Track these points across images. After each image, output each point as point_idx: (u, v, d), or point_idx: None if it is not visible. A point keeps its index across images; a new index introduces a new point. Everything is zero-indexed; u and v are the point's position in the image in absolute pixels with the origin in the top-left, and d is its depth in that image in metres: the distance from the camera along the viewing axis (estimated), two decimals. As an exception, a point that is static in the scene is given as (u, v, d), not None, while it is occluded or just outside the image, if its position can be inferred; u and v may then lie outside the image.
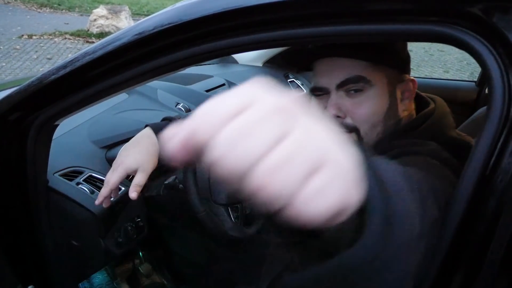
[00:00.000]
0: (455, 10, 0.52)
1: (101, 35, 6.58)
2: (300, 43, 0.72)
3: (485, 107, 1.25)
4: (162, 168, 1.28)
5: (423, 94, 0.84)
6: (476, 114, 1.36)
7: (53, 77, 0.79)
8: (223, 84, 1.78)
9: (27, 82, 0.84)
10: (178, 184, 1.20)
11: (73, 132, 1.24)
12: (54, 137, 0.94)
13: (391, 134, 0.75)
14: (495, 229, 0.47)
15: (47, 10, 8.77)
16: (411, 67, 0.83)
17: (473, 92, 1.86)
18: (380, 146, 0.73)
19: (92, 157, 1.18)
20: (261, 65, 2.02)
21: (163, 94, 1.60)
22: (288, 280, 0.83)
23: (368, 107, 0.74)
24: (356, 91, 0.74)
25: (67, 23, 7.50)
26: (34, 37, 6.51)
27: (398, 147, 0.70)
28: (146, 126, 1.01)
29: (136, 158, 0.93)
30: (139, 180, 0.92)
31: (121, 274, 1.40)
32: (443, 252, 0.50)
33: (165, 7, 0.74)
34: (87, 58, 0.75)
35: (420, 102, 0.82)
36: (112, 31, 6.46)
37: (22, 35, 6.53)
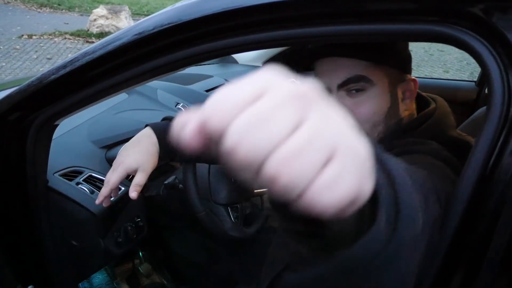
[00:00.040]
0: (455, 10, 0.52)
1: (101, 35, 6.59)
2: (300, 43, 0.72)
3: (485, 107, 1.25)
4: (162, 168, 1.29)
5: (424, 94, 0.84)
6: (476, 114, 1.36)
7: (53, 77, 0.79)
8: (223, 84, 1.78)
9: (27, 82, 0.84)
10: (178, 184, 1.20)
11: (73, 132, 1.24)
12: (54, 137, 0.94)
13: (392, 134, 0.75)
14: (495, 228, 0.47)
15: (47, 10, 8.77)
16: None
17: (473, 92, 1.86)
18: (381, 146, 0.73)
19: (92, 157, 1.18)
20: (261, 65, 2.03)
21: (163, 94, 1.60)
22: (289, 280, 0.83)
23: (369, 106, 0.74)
24: (357, 90, 0.74)
25: (67, 23, 7.50)
26: (34, 37, 6.51)
27: (399, 147, 0.70)
28: (146, 125, 1.01)
29: (136, 157, 0.93)
30: (139, 179, 0.92)
31: (121, 274, 1.40)
32: (443, 251, 0.50)
33: (165, 7, 0.74)
34: (87, 58, 0.75)
35: (421, 102, 0.82)
36: (112, 31, 6.46)
37: (22, 35, 6.53)
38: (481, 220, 0.48)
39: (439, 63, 6.45)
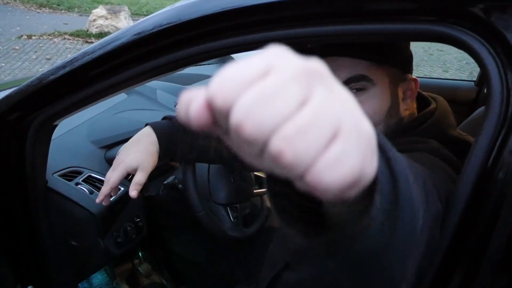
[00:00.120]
0: (454, 10, 0.52)
1: (100, 35, 6.58)
2: (300, 43, 0.72)
3: (484, 107, 1.25)
4: (161, 168, 1.29)
5: (424, 93, 0.84)
6: (475, 113, 1.36)
7: (52, 77, 0.79)
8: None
9: (26, 82, 0.84)
10: (177, 184, 1.21)
11: (72, 132, 1.24)
12: (53, 137, 0.94)
13: (392, 133, 0.75)
14: (494, 227, 0.47)
15: (46, 10, 8.77)
16: (410, 66, 0.83)
17: (472, 92, 1.86)
18: None
19: (91, 157, 1.18)
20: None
21: (162, 94, 1.60)
22: (288, 279, 0.83)
23: (369, 106, 0.74)
24: (358, 90, 0.74)
25: (66, 23, 7.50)
26: (33, 37, 6.51)
27: (399, 145, 0.70)
28: (146, 125, 1.01)
29: (136, 156, 0.93)
30: (139, 178, 0.92)
31: (120, 274, 1.40)
32: (443, 249, 0.50)
33: (164, 7, 0.74)
34: (86, 58, 0.75)
35: (422, 102, 0.82)
36: (111, 31, 6.46)
37: (22, 36, 6.53)
38: (481, 218, 0.48)
39: (438, 62, 6.45)
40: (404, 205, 0.34)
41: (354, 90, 0.74)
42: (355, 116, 0.25)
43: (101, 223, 1.06)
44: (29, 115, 0.86)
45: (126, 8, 7.27)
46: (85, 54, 0.76)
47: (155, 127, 0.99)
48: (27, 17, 8.00)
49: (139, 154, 0.94)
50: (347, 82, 0.74)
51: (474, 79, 1.93)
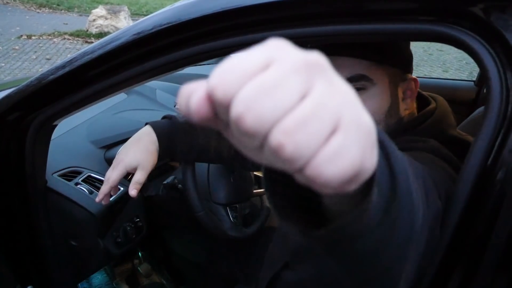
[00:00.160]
0: (454, 10, 0.52)
1: (100, 35, 6.58)
2: (300, 43, 0.72)
3: (483, 107, 1.25)
4: (161, 168, 1.29)
5: (424, 93, 0.84)
6: (475, 113, 1.36)
7: (51, 77, 0.79)
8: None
9: (26, 82, 0.84)
10: (177, 184, 1.21)
11: (72, 132, 1.24)
12: (52, 137, 0.94)
13: (392, 132, 0.75)
14: (494, 226, 0.47)
15: (46, 11, 8.77)
16: (410, 66, 0.83)
17: (472, 92, 1.86)
18: None
19: (91, 157, 1.18)
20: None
21: (162, 94, 1.60)
22: (288, 278, 0.83)
23: (369, 105, 0.74)
24: (358, 89, 0.74)
25: (66, 23, 7.50)
26: (33, 37, 6.51)
27: (398, 144, 0.70)
28: (146, 124, 1.01)
29: (136, 155, 0.93)
30: (139, 177, 0.92)
31: (120, 274, 1.40)
32: (442, 249, 0.50)
33: (164, 7, 0.74)
34: (86, 58, 0.75)
35: (422, 101, 0.82)
36: (111, 31, 6.46)
37: (21, 36, 6.53)
38: (480, 218, 0.48)
39: (438, 62, 6.46)
40: (403, 202, 0.34)
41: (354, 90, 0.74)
42: (356, 109, 0.25)
43: (100, 223, 1.06)
44: (28, 115, 0.86)
45: (125, 8, 7.27)
46: (84, 54, 0.76)
47: (155, 126, 0.99)
48: (27, 17, 8.00)
49: (138, 153, 0.94)
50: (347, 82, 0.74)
51: (474, 79, 1.93)
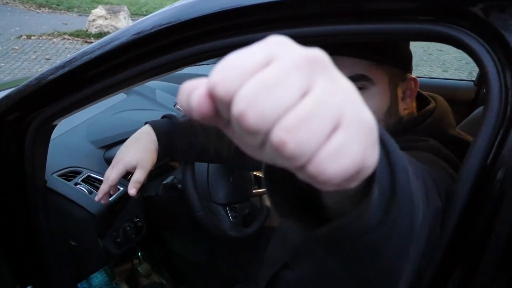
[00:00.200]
0: (454, 10, 0.52)
1: (99, 35, 6.58)
2: (300, 43, 0.72)
3: (483, 106, 1.25)
4: (160, 168, 1.29)
5: (424, 93, 0.84)
6: (474, 113, 1.36)
7: (51, 77, 0.79)
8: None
9: (25, 82, 0.84)
10: (176, 184, 1.20)
11: (72, 132, 1.24)
12: (52, 137, 0.94)
13: (392, 132, 0.75)
14: (493, 225, 0.47)
15: (46, 11, 8.76)
16: (410, 66, 0.83)
17: (472, 92, 1.86)
18: None
19: (91, 157, 1.18)
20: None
21: (162, 94, 1.60)
22: (287, 278, 0.83)
23: (369, 105, 0.73)
24: (358, 89, 0.74)
25: (66, 24, 7.49)
26: (32, 37, 6.51)
27: (398, 143, 0.70)
28: (146, 123, 1.01)
29: (135, 155, 0.93)
30: (138, 176, 0.92)
31: (120, 274, 1.40)
32: (442, 248, 0.50)
33: (163, 7, 0.74)
34: (86, 58, 0.75)
35: (421, 101, 0.82)
36: (110, 31, 6.46)
37: (21, 36, 6.53)
38: (480, 217, 0.48)
39: (438, 62, 6.46)
40: (403, 201, 0.34)
41: None
42: (357, 106, 0.25)
43: (100, 223, 1.06)
44: (28, 115, 0.86)
45: (125, 8, 7.27)
46: (84, 54, 0.76)
47: (155, 125, 0.99)
48: (27, 17, 8.00)
49: (138, 152, 0.94)
50: None
51: (474, 79, 1.93)
